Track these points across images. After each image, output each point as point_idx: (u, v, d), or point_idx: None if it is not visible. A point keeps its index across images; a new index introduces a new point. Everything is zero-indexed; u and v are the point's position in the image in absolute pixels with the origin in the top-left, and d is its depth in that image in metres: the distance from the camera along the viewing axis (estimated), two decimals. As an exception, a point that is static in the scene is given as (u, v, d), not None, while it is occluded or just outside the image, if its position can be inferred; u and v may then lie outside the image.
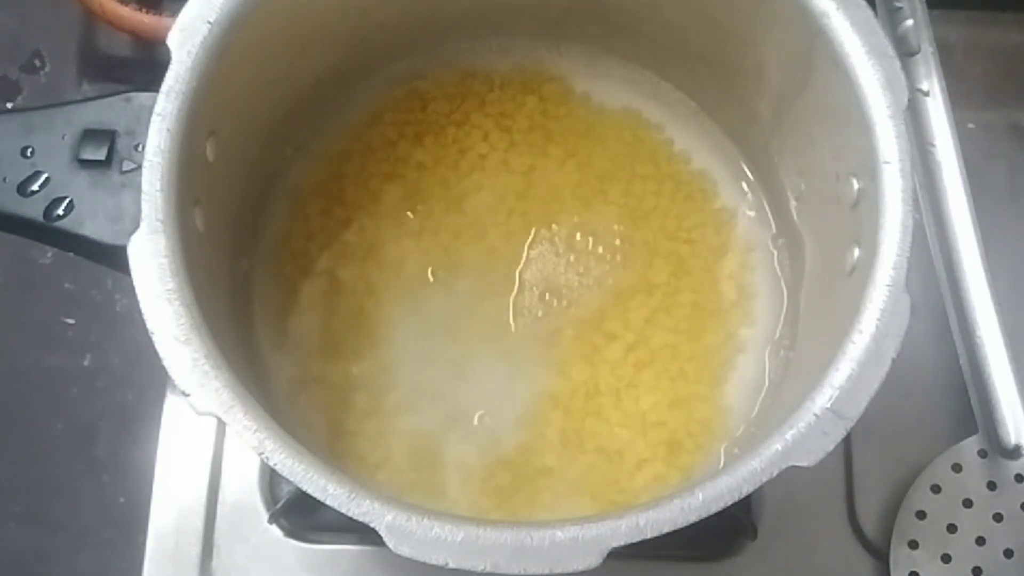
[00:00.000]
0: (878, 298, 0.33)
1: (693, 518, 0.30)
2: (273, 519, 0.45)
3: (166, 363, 0.32)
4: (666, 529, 0.30)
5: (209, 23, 0.35)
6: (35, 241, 0.39)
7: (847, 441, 0.46)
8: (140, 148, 0.35)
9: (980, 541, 0.44)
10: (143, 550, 0.45)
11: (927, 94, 0.49)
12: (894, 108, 0.35)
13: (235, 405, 0.31)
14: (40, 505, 0.50)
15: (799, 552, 0.45)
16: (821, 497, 0.46)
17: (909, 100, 0.35)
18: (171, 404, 0.47)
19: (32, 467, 0.50)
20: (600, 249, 0.45)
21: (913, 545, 0.44)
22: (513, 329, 0.43)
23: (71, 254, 0.38)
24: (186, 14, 0.35)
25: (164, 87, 0.35)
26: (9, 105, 0.56)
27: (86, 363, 0.52)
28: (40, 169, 0.37)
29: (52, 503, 0.50)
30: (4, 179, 0.37)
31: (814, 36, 0.37)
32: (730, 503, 0.31)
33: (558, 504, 0.41)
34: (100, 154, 0.37)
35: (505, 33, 0.47)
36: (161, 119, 0.34)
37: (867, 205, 0.36)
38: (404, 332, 0.43)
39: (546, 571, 0.29)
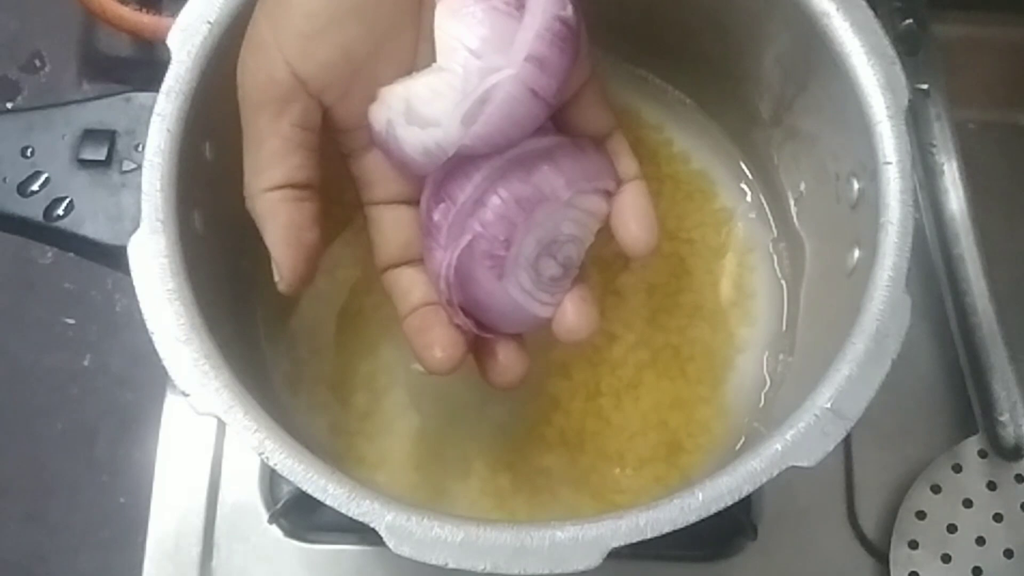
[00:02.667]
0: (878, 298, 0.33)
1: (693, 518, 0.30)
2: (273, 519, 0.45)
3: (166, 363, 0.32)
4: (666, 529, 0.30)
5: (209, 23, 0.35)
6: (35, 241, 0.39)
7: (847, 441, 0.46)
8: (140, 148, 0.35)
9: (980, 541, 0.44)
10: (143, 550, 0.45)
11: (927, 94, 0.49)
12: (894, 108, 0.35)
13: (235, 405, 0.32)
14: (40, 505, 0.50)
15: (799, 552, 0.45)
16: (821, 497, 0.46)
17: (909, 100, 0.35)
18: (171, 404, 0.47)
19: (32, 467, 0.50)
20: (600, 250, 0.45)
21: (913, 545, 0.44)
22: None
23: (71, 254, 0.39)
24: (186, 14, 0.35)
25: (164, 87, 0.35)
26: (9, 105, 0.56)
27: (86, 363, 0.52)
28: (40, 169, 0.37)
29: (52, 503, 0.50)
30: (4, 179, 0.37)
31: (814, 36, 0.37)
32: (730, 503, 0.31)
33: (558, 504, 0.41)
34: (100, 154, 0.37)
35: (505, 33, 0.47)
36: (161, 119, 0.34)
37: (867, 205, 0.36)
38: (404, 332, 0.43)
39: (546, 571, 0.29)
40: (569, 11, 0.32)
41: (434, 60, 0.33)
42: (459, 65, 0.32)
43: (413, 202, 0.35)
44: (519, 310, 0.34)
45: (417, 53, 0.34)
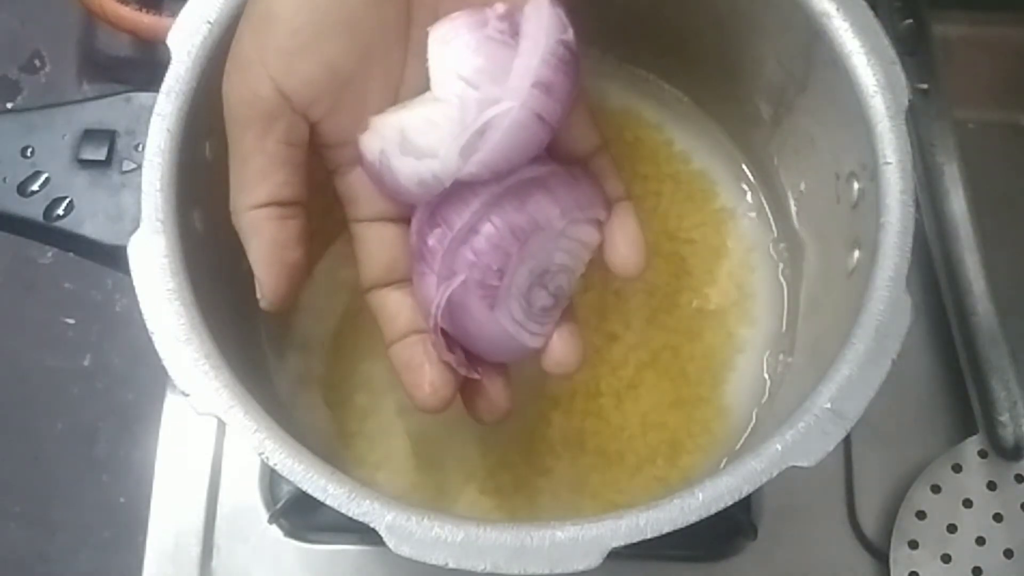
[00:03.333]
0: (878, 298, 0.33)
1: (693, 518, 0.30)
2: (273, 519, 0.45)
3: (166, 363, 0.32)
4: (666, 529, 0.30)
5: (209, 23, 0.35)
6: (35, 241, 0.39)
7: (847, 441, 0.46)
8: (140, 148, 0.35)
9: (980, 541, 0.44)
10: (143, 550, 0.45)
11: (927, 94, 0.49)
12: (894, 108, 0.35)
13: (235, 405, 0.32)
14: (40, 505, 0.50)
15: (799, 552, 0.45)
16: (821, 497, 0.46)
17: (909, 100, 0.35)
18: (171, 404, 0.47)
19: (32, 467, 0.50)
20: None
21: (913, 545, 0.44)
22: (513, 329, 0.43)
23: (71, 254, 0.39)
24: (186, 14, 0.35)
25: (164, 87, 0.35)
26: (9, 105, 0.56)
27: (86, 363, 0.52)
28: (40, 169, 0.37)
29: (52, 503, 0.50)
30: (4, 179, 0.37)
31: (814, 36, 0.37)
32: (730, 503, 0.31)
33: (558, 504, 0.41)
34: (100, 154, 0.37)
35: (505, 33, 0.47)
36: (161, 119, 0.34)
37: (867, 205, 0.36)
38: (404, 332, 0.43)
39: (546, 571, 0.29)
40: (570, 34, 0.32)
41: (424, 78, 0.33)
42: (455, 96, 0.32)
43: (399, 220, 0.34)
44: (509, 340, 0.34)
45: (406, 69, 0.33)
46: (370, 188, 0.34)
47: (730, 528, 0.45)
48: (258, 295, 0.33)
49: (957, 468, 0.45)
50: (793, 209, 0.44)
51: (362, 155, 0.33)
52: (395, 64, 0.33)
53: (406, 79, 0.34)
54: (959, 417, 0.47)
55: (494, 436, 0.42)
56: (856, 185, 0.37)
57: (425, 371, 0.33)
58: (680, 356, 0.43)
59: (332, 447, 0.42)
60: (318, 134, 0.33)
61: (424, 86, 0.33)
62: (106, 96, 0.38)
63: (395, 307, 0.35)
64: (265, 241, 0.32)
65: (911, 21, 0.50)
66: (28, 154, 0.37)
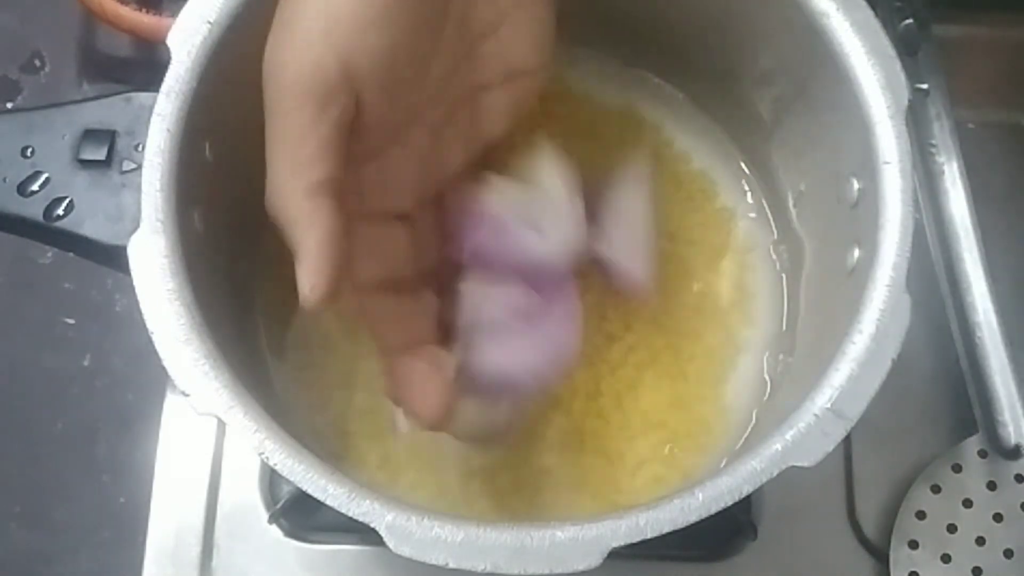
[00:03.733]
0: (878, 298, 0.33)
1: (693, 518, 0.30)
2: (273, 519, 0.45)
3: (166, 363, 0.32)
4: (666, 529, 0.30)
5: (209, 23, 0.35)
6: (35, 241, 0.39)
7: (847, 441, 0.46)
8: (140, 148, 0.35)
9: (980, 541, 0.44)
10: (143, 550, 0.45)
11: (927, 94, 0.49)
12: (894, 108, 0.35)
13: (235, 405, 0.32)
14: (40, 505, 0.50)
15: (799, 552, 0.45)
16: (821, 497, 0.46)
17: (909, 100, 0.35)
18: (171, 404, 0.47)
19: (32, 467, 0.50)
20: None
21: (913, 545, 0.44)
22: (513, 329, 0.43)
23: (71, 254, 0.39)
24: (186, 14, 0.35)
25: (164, 87, 0.35)
26: (9, 105, 0.56)
27: (86, 363, 0.52)
28: (40, 169, 0.37)
29: (52, 503, 0.50)
30: (4, 179, 0.37)
31: (814, 36, 0.37)
32: (730, 503, 0.31)
33: (558, 504, 0.41)
34: (100, 154, 0.37)
35: (505, 33, 0.47)
36: (161, 119, 0.34)
37: (867, 205, 0.36)
38: (404, 332, 0.43)
39: (546, 571, 0.29)
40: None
41: (443, 80, 0.33)
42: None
43: (404, 220, 0.34)
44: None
45: (432, 63, 0.33)
46: (381, 183, 0.33)
47: (730, 528, 0.45)
48: (307, 291, 0.29)
49: (957, 468, 0.45)
50: (793, 209, 0.44)
51: (479, 205, 0.36)
52: (427, 54, 0.32)
53: (431, 71, 0.33)
54: (959, 417, 0.47)
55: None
56: (856, 185, 0.37)
57: (429, 387, 0.33)
58: (680, 356, 0.43)
59: (332, 447, 0.42)
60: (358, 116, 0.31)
61: (440, 90, 0.33)
62: (106, 96, 0.38)
63: (394, 317, 0.34)
64: (321, 230, 0.29)
65: (911, 21, 0.50)
66: (28, 154, 0.37)
